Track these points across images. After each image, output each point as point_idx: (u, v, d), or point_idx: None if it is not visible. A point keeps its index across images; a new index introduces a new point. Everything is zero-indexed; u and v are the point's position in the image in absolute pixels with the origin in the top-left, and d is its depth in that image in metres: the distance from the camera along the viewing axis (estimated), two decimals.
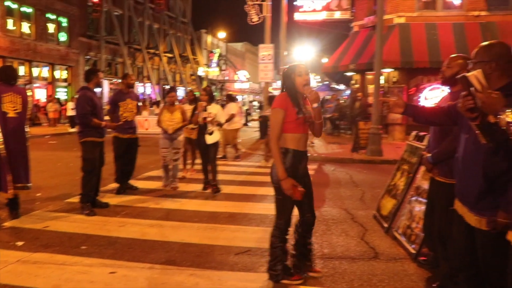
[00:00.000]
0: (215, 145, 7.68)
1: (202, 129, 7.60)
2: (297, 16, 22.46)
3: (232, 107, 12.04)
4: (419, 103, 16.70)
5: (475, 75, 2.36)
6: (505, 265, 2.56)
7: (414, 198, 5.13)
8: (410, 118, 3.47)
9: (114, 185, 7.65)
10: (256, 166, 11.35)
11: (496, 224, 2.65)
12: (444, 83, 3.92)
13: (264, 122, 11.14)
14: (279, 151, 3.78)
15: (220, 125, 7.72)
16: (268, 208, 6.69)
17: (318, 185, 8.63)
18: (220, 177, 7.95)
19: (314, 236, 5.35)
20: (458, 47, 16.10)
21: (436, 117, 3.37)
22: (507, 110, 2.20)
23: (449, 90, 3.94)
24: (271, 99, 11.82)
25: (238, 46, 63.76)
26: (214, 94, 7.90)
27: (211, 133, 7.50)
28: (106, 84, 31.59)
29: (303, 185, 3.83)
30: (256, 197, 7.49)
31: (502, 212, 2.60)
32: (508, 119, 2.18)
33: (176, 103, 8.16)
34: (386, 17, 16.20)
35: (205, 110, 7.53)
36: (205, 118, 7.47)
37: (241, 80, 52.73)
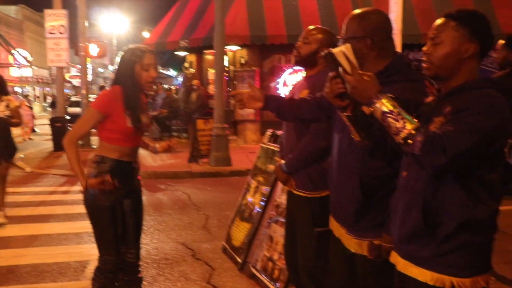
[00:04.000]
0: None
1: None
2: None
3: None
4: (278, 91, 17.63)
5: (342, 51, 2.52)
6: None
7: (274, 220, 5.43)
8: (273, 113, 3.59)
9: None
10: (48, 192, 10.89)
11: (380, 250, 2.89)
12: (298, 63, 4.11)
13: None
14: (76, 154, 3.88)
15: None
16: (69, 253, 6.50)
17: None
18: None
19: (142, 285, 5.35)
20: (324, 17, 17.37)
21: (307, 110, 3.52)
22: (382, 97, 2.37)
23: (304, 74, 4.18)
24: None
25: (11, 11, 60.30)
26: None
27: None
28: None
29: (130, 205, 4.10)
30: (53, 237, 7.24)
31: (386, 235, 2.81)
32: (384, 108, 2.35)
33: None
34: None
35: None
36: None
37: (19, 64, 49.99)
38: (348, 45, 2.57)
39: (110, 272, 4.00)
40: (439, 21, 2.47)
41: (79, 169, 3.88)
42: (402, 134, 2.26)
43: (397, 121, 2.29)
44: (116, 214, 4.00)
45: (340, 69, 2.52)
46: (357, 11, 3.07)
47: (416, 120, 2.29)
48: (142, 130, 4.03)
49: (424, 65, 2.51)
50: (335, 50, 2.54)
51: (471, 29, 2.39)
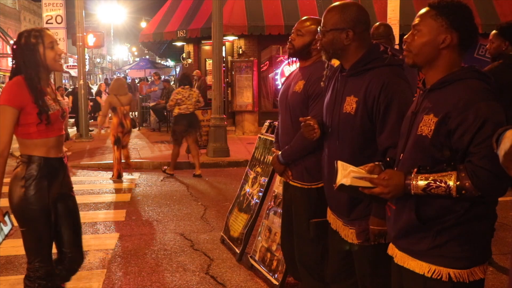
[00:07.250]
0: None
1: None
2: None
3: None
4: (276, 82, 17.63)
5: (352, 177, 2.49)
6: None
7: (272, 211, 5.44)
8: None
9: None
10: None
11: (368, 233, 2.95)
12: (293, 54, 4.08)
13: None
14: (2, 172, 3.62)
15: None
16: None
17: (140, 203, 8.71)
18: None
19: (140, 276, 5.38)
20: (322, 7, 17.25)
21: None
22: (412, 180, 2.34)
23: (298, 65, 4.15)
24: None
25: (8, 1, 60.16)
26: None
27: None
28: None
29: (64, 207, 3.83)
30: None
31: (374, 217, 2.89)
32: (421, 184, 2.32)
33: None
34: None
35: None
36: None
37: None
38: (348, 166, 2.56)
39: (41, 279, 3.68)
40: (422, 10, 2.47)
41: None
42: (453, 192, 2.24)
43: (439, 187, 2.27)
44: (50, 217, 3.74)
45: (363, 190, 2.50)
46: (337, 3, 3.10)
47: (450, 171, 2.26)
48: (57, 117, 3.66)
49: (404, 52, 2.53)
50: (344, 182, 2.52)
51: (450, 18, 2.37)
